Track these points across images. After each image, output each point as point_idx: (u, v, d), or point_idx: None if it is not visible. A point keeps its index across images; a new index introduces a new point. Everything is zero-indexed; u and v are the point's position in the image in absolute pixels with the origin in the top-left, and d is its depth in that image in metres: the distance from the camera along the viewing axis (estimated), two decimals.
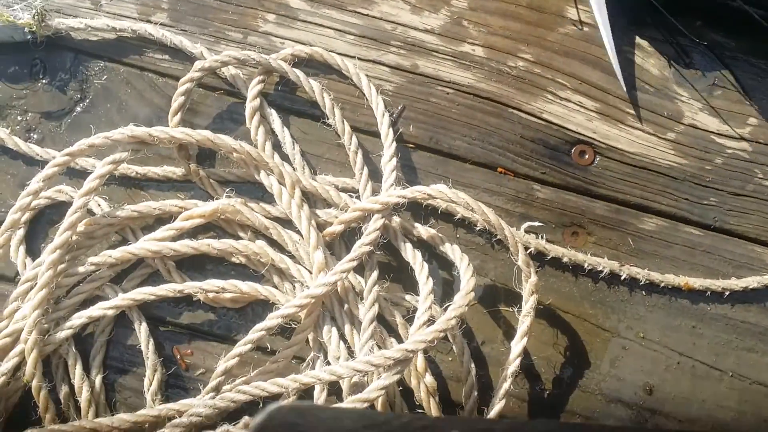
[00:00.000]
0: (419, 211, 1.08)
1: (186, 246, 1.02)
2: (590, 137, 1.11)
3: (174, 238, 1.04)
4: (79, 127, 1.08)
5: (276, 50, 1.11)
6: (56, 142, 1.08)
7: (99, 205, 1.06)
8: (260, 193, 1.08)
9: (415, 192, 1.01)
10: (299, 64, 1.10)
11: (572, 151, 1.11)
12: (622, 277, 1.06)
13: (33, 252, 1.07)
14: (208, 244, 1.03)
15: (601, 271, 1.06)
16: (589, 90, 1.13)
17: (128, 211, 1.03)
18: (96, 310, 1.01)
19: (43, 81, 1.09)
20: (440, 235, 1.05)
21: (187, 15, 1.12)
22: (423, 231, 1.05)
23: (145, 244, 1.03)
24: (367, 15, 1.14)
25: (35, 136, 1.09)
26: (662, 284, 1.06)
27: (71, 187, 1.06)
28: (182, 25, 1.12)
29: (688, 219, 1.09)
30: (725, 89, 1.14)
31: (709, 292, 1.06)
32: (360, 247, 1.00)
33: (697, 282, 1.06)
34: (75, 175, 1.08)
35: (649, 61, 1.14)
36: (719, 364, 1.06)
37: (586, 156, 1.11)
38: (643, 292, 1.08)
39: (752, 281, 1.06)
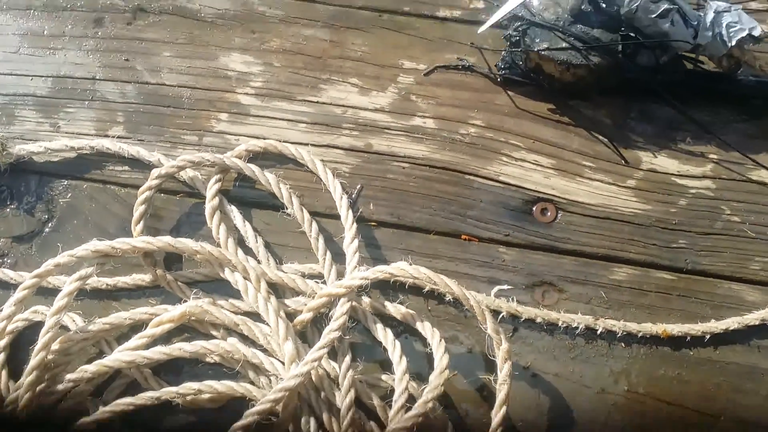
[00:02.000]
0: (388, 287, 1.08)
1: (159, 353, 1.03)
2: (550, 194, 1.11)
3: (147, 346, 1.05)
4: (50, 247, 1.11)
5: (231, 147, 1.14)
6: (29, 264, 1.11)
7: (74, 321, 1.08)
8: (229, 290, 1.09)
9: (377, 272, 1.01)
10: (255, 157, 1.13)
11: (533, 209, 1.11)
12: (599, 331, 1.04)
13: (18, 374, 1.09)
14: (180, 348, 1.03)
15: (577, 328, 1.05)
16: (542, 147, 1.13)
17: (100, 325, 1.05)
18: (79, 427, 1.02)
19: (11, 207, 1.13)
20: (411, 312, 1.04)
21: (142, 125, 1.16)
22: (393, 309, 1.05)
23: (119, 356, 1.04)
24: (317, 102, 1.17)
25: (9, 261, 1.12)
26: (640, 334, 1.05)
27: (46, 307, 1.08)
28: (139, 135, 1.16)
29: (659, 264, 1.08)
30: (681, 129, 1.14)
31: (689, 337, 1.04)
32: (329, 334, 1.00)
33: (675, 328, 1.04)
34: (50, 293, 1.10)
35: (601, 111, 1.15)
36: (710, 409, 1.03)
37: (548, 213, 1.11)
38: (623, 344, 1.06)
39: (732, 322, 1.04)
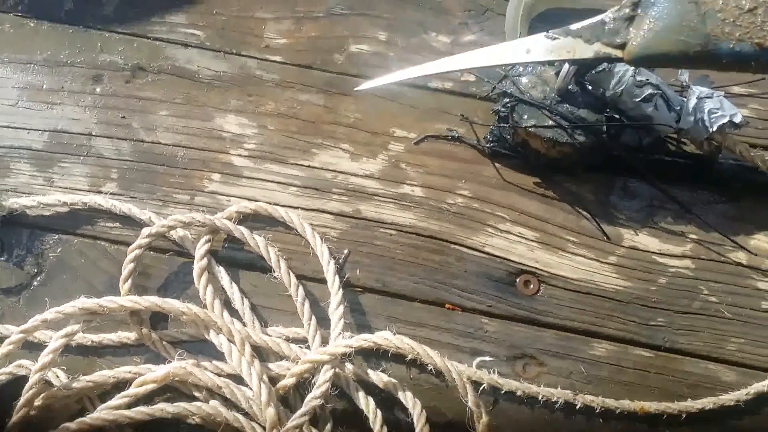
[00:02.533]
0: (371, 354, 1.09)
1: (141, 413, 1.03)
2: (533, 267, 1.13)
3: (130, 405, 1.05)
4: (37, 300, 1.12)
5: (222, 208, 1.15)
6: (15, 317, 1.11)
7: (58, 377, 1.08)
8: (214, 351, 1.09)
9: (362, 341, 1.03)
10: (245, 219, 1.15)
11: (517, 281, 1.14)
12: (578, 406, 1.06)
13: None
14: (162, 409, 1.04)
15: (557, 402, 1.06)
16: (527, 220, 1.16)
17: (84, 382, 1.06)
18: None
19: (1, 259, 1.13)
20: (393, 381, 1.05)
21: (135, 182, 1.18)
22: (376, 377, 1.06)
23: (101, 414, 1.04)
24: (308, 166, 1.19)
25: None
26: (618, 410, 1.06)
27: (30, 361, 1.08)
28: (131, 192, 1.17)
29: (638, 341, 1.10)
30: (663, 208, 1.17)
31: (665, 415, 1.05)
32: (311, 401, 1.01)
33: (652, 406, 1.06)
34: (35, 348, 1.10)
35: (585, 186, 1.18)
36: None
37: (531, 286, 1.13)
38: (601, 420, 1.07)
39: (708, 402, 1.05)
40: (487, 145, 1.20)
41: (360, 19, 1.30)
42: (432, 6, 1.31)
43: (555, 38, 1.02)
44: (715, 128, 1.11)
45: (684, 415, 1.05)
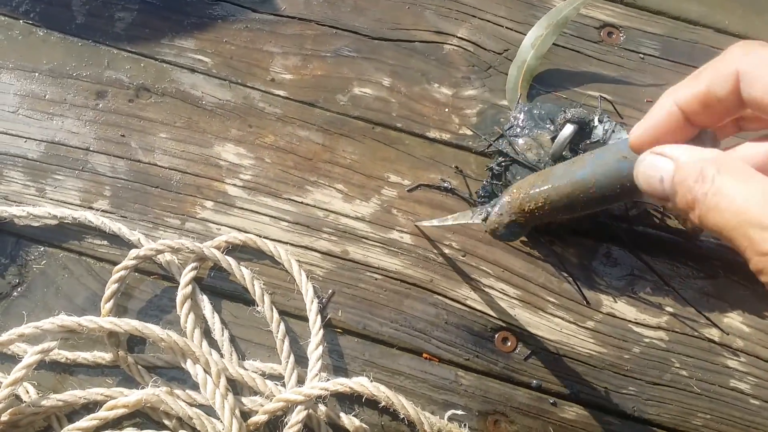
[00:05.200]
0: (344, 398, 1.10)
1: None
2: (512, 324, 1.15)
3: (98, 428, 1.05)
4: (15, 312, 1.11)
5: (212, 236, 1.16)
6: None
7: (27, 392, 1.07)
8: (187, 380, 1.09)
9: (338, 385, 1.03)
10: (234, 249, 1.15)
11: (495, 337, 1.15)
12: None
13: None
14: None
15: None
16: (511, 278, 1.18)
17: (54, 401, 1.04)
18: None
19: None
20: (365, 426, 1.06)
21: (128, 202, 1.18)
22: (347, 422, 1.07)
23: None
24: (301, 202, 1.21)
25: None
26: None
27: (2, 373, 1.07)
28: (123, 211, 1.17)
29: (608, 408, 1.12)
30: (643, 278, 1.20)
31: None
32: None
33: None
34: (8, 359, 1.09)
35: (570, 250, 1.20)
36: None
37: (509, 343, 1.15)
38: None
39: None
40: (479, 200, 1.22)
41: (366, 63, 1.32)
42: (437, 58, 1.34)
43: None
44: None
45: None
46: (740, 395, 1.14)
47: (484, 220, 0.96)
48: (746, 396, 1.14)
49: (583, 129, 1.15)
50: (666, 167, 0.59)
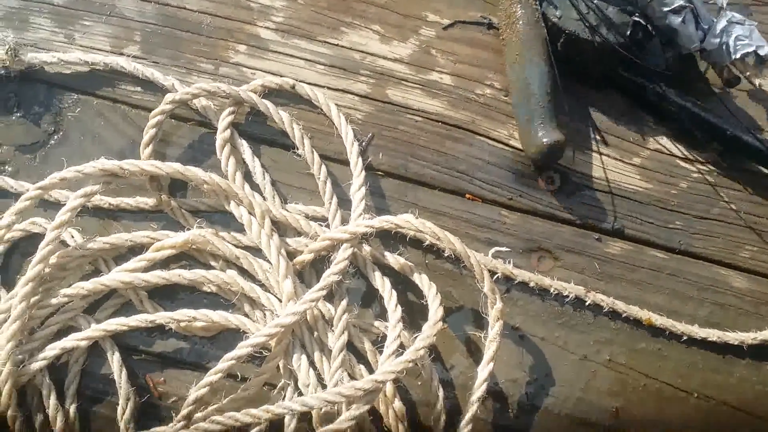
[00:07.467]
0: (388, 238, 1.10)
1: (157, 277, 1.04)
2: (558, 163, 1.13)
3: (146, 269, 1.05)
4: (53, 160, 1.10)
5: (247, 81, 1.13)
6: (30, 174, 1.10)
7: (72, 237, 1.08)
8: (232, 222, 1.09)
9: (383, 222, 1.03)
10: (270, 94, 1.12)
11: (539, 177, 1.13)
12: (588, 303, 1.08)
13: (9, 284, 1.08)
14: (179, 275, 1.04)
15: (567, 296, 1.08)
16: None
17: (100, 243, 1.05)
18: (69, 341, 1.02)
19: (17, 114, 1.11)
20: (409, 263, 1.06)
21: (159, 47, 1.14)
22: (392, 260, 1.07)
23: (117, 276, 1.04)
24: (337, 45, 1.16)
25: (9, 169, 1.10)
26: (624, 314, 1.07)
27: (45, 219, 1.07)
28: (154, 57, 1.14)
29: (654, 242, 1.11)
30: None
31: (667, 332, 1.07)
32: (329, 277, 1.02)
33: (659, 320, 1.07)
34: (50, 206, 1.09)
35: (613, 97, 1.16)
36: (685, 385, 1.07)
37: (553, 182, 1.13)
38: (607, 318, 1.09)
39: (711, 333, 1.06)
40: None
41: None
42: None
43: None
44: (738, 56, 1.09)
45: (685, 337, 1.07)
46: None
47: None
48: None
49: None
50: None
